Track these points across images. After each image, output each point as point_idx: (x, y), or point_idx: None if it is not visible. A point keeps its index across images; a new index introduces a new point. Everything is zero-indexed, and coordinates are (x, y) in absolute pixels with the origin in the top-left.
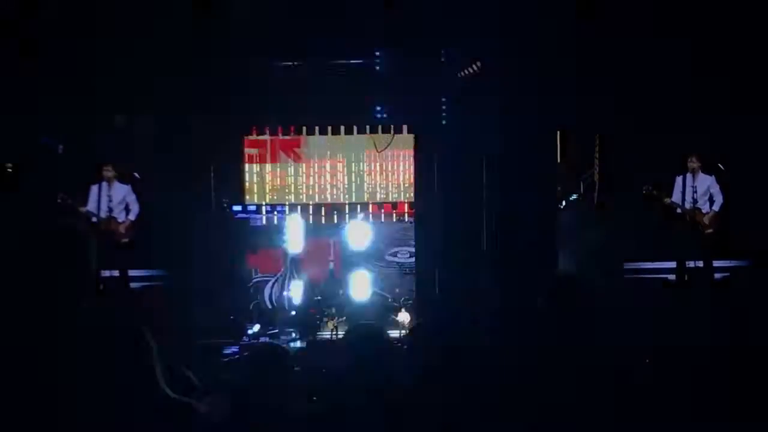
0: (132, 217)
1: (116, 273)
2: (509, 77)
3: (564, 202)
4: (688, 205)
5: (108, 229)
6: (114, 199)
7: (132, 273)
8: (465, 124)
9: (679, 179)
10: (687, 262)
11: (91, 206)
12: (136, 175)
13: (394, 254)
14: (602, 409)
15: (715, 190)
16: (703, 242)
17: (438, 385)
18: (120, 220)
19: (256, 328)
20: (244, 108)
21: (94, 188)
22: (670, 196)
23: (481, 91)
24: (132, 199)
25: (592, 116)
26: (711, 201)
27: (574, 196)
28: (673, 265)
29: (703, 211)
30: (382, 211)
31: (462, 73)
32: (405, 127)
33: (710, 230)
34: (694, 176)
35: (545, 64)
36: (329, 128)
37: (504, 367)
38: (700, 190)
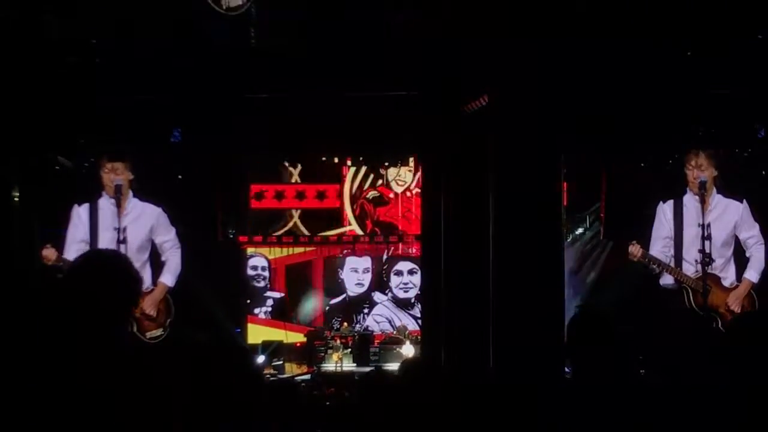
0: (169, 280)
1: None
2: (514, 110)
3: (570, 237)
4: (689, 268)
5: None
6: (130, 237)
7: None
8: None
9: (666, 208)
10: None
11: (71, 252)
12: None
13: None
14: None
15: (752, 233)
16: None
17: None
18: (143, 288)
19: (261, 359)
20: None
21: (80, 212)
22: (647, 245)
23: (487, 124)
24: (170, 239)
25: (598, 148)
26: (740, 259)
27: (580, 230)
28: None
29: (724, 281)
30: None
31: (468, 108)
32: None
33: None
34: (702, 200)
35: (550, 96)
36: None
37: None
38: (717, 234)
